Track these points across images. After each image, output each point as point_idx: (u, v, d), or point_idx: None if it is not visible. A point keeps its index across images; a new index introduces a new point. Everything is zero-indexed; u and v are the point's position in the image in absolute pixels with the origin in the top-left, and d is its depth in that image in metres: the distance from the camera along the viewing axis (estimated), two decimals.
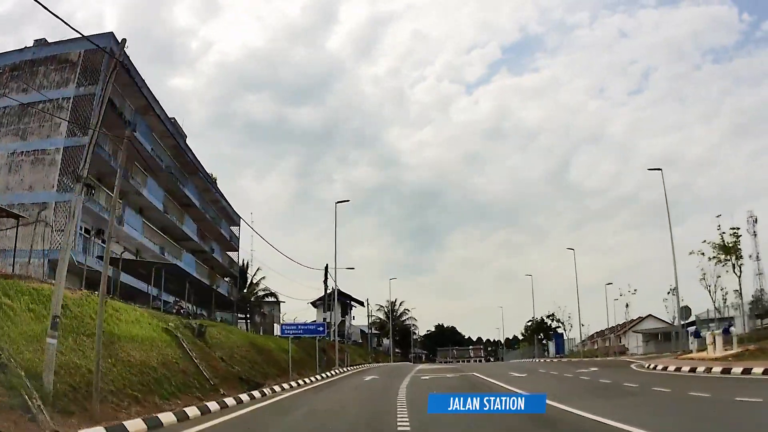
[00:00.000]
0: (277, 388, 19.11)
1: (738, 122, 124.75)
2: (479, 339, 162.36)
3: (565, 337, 61.43)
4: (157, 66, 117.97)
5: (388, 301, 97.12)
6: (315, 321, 24.43)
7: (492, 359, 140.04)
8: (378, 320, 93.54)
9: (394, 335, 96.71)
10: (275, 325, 63.80)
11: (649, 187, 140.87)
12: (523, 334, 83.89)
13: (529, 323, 74.84)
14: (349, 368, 38.68)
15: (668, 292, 52.74)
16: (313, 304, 74.01)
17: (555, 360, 49.03)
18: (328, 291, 40.81)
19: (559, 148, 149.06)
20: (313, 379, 24.43)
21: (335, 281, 41.85)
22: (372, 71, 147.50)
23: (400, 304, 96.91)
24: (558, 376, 22.21)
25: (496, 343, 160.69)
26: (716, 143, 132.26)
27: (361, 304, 73.73)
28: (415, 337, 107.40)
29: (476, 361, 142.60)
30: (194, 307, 39.27)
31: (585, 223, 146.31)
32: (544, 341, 65.76)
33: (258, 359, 22.14)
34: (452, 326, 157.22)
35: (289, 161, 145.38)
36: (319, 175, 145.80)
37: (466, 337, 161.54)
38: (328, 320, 73.75)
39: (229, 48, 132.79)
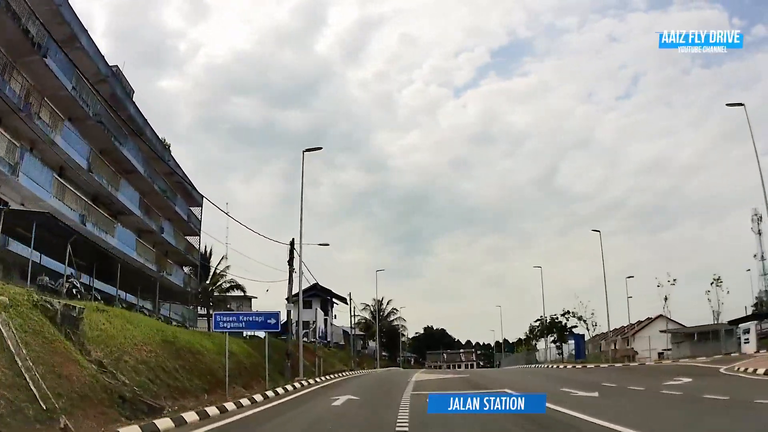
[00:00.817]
0: (188, 416, 10.93)
1: (727, 127, 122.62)
2: (468, 342, 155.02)
3: (586, 338, 53.66)
4: (145, 68, 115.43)
5: (374, 299, 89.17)
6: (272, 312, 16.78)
7: (484, 364, 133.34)
8: (363, 320, 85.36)
9: (381, 337, 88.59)
10: None
11: (638, 193, 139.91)
12: (528, 335, 76.07)
13: (537, 323, 67.30)
14: (321, 378, 30.31)
15: (712, 283, 46.24)
16: (288, 300, 65.86)
17: (589, 367, 40.35)
18: (295, 271, 32.40)
19: (547, 153, 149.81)
20: (257, 398, 15.88)
21: (300, 258, 33.43)
22: (360, 75, 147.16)
23: (387, 303, 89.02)
24: (659, 394, 14.27)
25: (486, 346, 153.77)
26: (705, 148, 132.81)
27: (344, 300, 65.54)
28: (403, 339, 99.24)
29: (468, 365, 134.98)
30: (135, 297, 30.93)
31: (573, 228, 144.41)
32: (558, 343, 57.90)
33: (172, 365, 13.93)
34: (442, 328, 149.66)
35: (276, 165, 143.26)
36: (306, 178, 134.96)
37: (456, 340, 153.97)
38: (308, 318, 65.53)
39: (218, 50, 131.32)
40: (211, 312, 52.76)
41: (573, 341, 51.09)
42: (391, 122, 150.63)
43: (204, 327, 44.06)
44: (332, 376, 33.65)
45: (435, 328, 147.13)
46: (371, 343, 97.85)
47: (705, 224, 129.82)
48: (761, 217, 60.02)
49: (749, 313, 50.22)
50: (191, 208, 46.55)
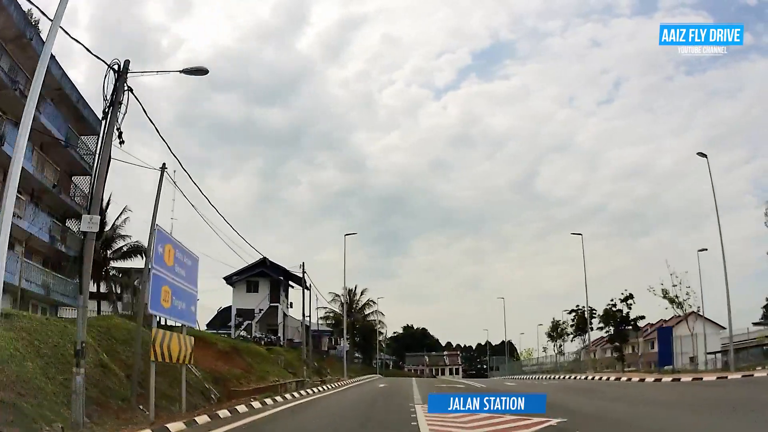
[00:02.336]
0: None
1: (710, 135, 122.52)
2: (449, 344, 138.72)
3: (674, 335, 36.37)
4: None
5: (345, 289, 71.39)
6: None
7: (466, 369, 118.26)
8: (332, 314, 67.53)
9: (354, 335, 70.88)
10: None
11: (617, 198, 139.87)
12: (550, 335, 58.95)
13: (572, 313, 50.82)
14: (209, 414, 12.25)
15: None
16: (229, 280, 47.68)
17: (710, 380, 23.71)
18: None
19: (527, 157, 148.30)
20: None
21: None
22: (341, 74, 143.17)
23: (361, 293, 71.39)
24: None
25: (467, 348, 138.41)
26: (686, 156, 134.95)
27: (300, 282, 48.35)
28: (381, 338, 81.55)
29: (453, 370, 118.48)
30: None
31: (551, 232, 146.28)
32: (614, 342, 41.03)
33: None
34: (423, 328, 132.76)
35: (255, 162, 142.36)
36: (285, 177, 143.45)
37: (437, 341, 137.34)
38: (251, 306, 47.37)
39: (199, 46, 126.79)
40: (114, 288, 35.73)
41: (657, 339, 33.85)
42: (371, 122, 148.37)
43: (93, 310, 30.43)
44: (246, 407, 15.49)
45: (416, 328, 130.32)
46: (344, 343, 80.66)
47: (684, 231, 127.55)
48: None
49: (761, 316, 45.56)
50: (82, 137, 29.81)
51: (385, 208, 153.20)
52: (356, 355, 77.28)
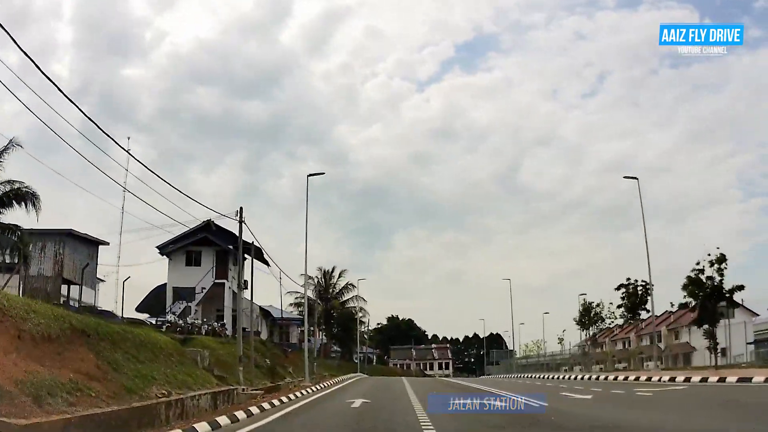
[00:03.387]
0: None
1: (694, 129, 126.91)
2: (435, 336, 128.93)
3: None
4: (111, 56, 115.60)
5: (320, 269, 60.54)
6: None
7: (454, 362, 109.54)
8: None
9: (331, 324, 60.25)
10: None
11: (600, 192, 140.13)
12: (581, 321, 48.15)
13: (621, 290, 40.88)
14: None
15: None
16: (164, 249, 36.50)
17: None
18: None
19: (510, 150, 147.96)
20: None
21: None
22: (324, 67, 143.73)
23: (339, 276, 60.77)
24: None
25: (453, 341, 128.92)
26: (670, 150, 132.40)
27: (262, 259, 37.55)
28: (363, 329, 70.88)
29: (443, 365, 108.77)
30: None
31: (533, 226, 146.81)
32: (702, 324, 30.51)
33: None
34: (409, 319, 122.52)
35: (237, 155, 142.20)
36: (267, 169, 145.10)
37: (425, 332, 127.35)
38: (202, 285, 36.50)
39: (182, 40, 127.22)
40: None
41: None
42: (353, 115, 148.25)
43: None
44: None
45: (401, 319, 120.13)
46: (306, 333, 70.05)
47: (668, 225, 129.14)
48: None
49: None
50: None
51: (367, 201, 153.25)
52: (334, 348, 66.66)
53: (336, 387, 27.11)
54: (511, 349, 74.95)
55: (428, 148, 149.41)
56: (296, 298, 55.51)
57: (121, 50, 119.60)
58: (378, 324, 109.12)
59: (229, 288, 34.99)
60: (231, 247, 35.64)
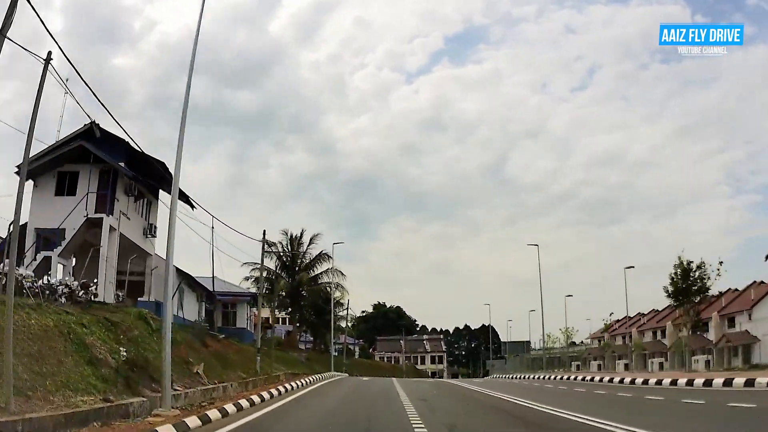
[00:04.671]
0: None
1: (683, 124, 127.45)
2: (424, 327, 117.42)
3: None
4: (100, 45, 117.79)
5: (284, 232, 47.86)
6: None
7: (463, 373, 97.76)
8: (267, 274, 44.06)
9: (299, 305, 47.79)
10: None
11: (588, 185, 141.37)
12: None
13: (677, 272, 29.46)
14: None
15: None
16: (29, 172, 23.65)
17: None
18: None
19: (498, 142, 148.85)
20: None
21: None
22: (313, 57, 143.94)
23: (310, 241, 48.42)
24: None
25: (444, 333, 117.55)
26: (660, 144, 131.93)
27: (187, 199, 24.77)
28: (342, 312, 58.19)
29: (437, 359, 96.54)
30: None
31: (521, 218, 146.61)
32: None
33: None
34: (397, 306, 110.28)
35: (225, 145, 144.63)
36: (254, 159, 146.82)
37: (414, 321, 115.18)
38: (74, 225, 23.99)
39: (172, 28, 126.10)
40: None
41: None
42: (341, 105, 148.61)
43: None
44: None
45: (389, 306, 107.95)
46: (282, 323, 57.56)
47: (656, 220, 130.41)
48: None
49: None
50: None
51: (355, 191, 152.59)
52: (304, 336, 54.28)
53: (241, 417, 13.01)
54: (527, 340, 63.02)
55: (417, 140, 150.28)
56: (251, 270, 43.04)
57: (111, 39, 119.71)
58: (363, 312, 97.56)
59: (112, 229, 22.36)
60: (123, 164, 23.05)
